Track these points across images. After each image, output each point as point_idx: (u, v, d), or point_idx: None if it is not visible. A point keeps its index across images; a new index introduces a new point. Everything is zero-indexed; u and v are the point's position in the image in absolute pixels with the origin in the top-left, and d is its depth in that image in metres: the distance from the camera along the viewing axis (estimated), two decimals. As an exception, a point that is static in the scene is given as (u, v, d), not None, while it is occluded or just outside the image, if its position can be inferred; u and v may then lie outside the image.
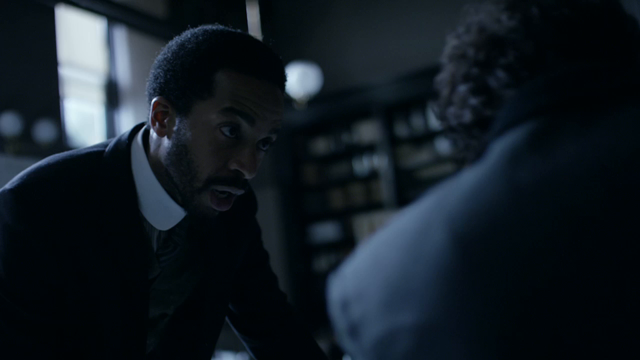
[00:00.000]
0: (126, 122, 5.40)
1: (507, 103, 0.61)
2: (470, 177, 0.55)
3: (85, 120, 5.35)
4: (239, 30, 1.15)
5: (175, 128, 1.10)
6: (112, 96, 5.40)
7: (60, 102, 4.73)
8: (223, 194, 1.11)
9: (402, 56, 5.99)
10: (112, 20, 5.37)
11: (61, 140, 4.64)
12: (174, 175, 1.11)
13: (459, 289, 0.48)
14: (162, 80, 1.11)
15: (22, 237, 1.03)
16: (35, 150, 4.34)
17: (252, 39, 1.13)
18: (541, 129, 0.55)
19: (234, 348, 3.90)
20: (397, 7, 6.12)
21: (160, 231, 1.18)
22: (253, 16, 4.06)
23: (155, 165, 1.14)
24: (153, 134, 1.14)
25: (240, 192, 1.12)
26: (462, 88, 0.68)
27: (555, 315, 0.45)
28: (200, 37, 1.10)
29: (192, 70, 1.08)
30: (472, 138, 0.69)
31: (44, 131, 4.36)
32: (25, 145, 4.28)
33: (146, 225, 1.16)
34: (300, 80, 4.01)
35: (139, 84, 5.36)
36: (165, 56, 1.13)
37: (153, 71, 1.14)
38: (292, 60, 4.60)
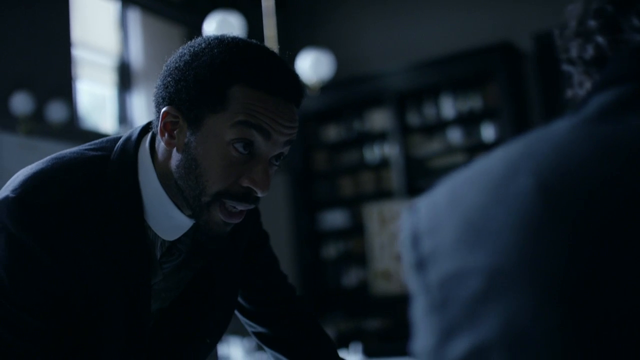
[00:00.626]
0: (138, 104, 5.40)
1: (614, 60, 0.60)
2: (563, 128, 0.54)
3: (97, 102, 5.36)
4: (254, 41, 1.11)
5: (185, 140, 1.07)
6: (125, 78, 5.40)
7: (73, 83, 4.74)
8: (233, 208, 1.08)
9: (416, 44, 5.96)
10: (126, 1, 5.36)
11: (72, 121, 4.64)
12: (184, 188, 1.08)
13: (537, 236, 0.48)
14: (172, 90, 1.07)
15: (25, 246, 1.00)
16: (46, 130, 4.35)
17: (269, 54, 1.10)
18: None
19: (241, 333, 3.91)
20: (412, -6, 6.08)
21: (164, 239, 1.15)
22: (267, 0, 4.04)
23: (163, 176, 1.11)
24: (161, 142, 1.10)
25: (251, 207, 1.10)
26: (592, 23, 0.66)
27: (629, 277, 0.45)
28: (216, 50, 1.06)
29: (206, 83, 1.05)
30: (588, 75, 0.68)
31: (55, 111, 4.37)
32: (36, 125, 4.29)
33: (150, 233, 1.13)
34: (313, 66, 3.99)
35: (151, 66, 5.35)
36: (177, 65, 1.08)
37: (163, 79, 1.10)
38: (305, 46, 4.58)
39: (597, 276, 0.45)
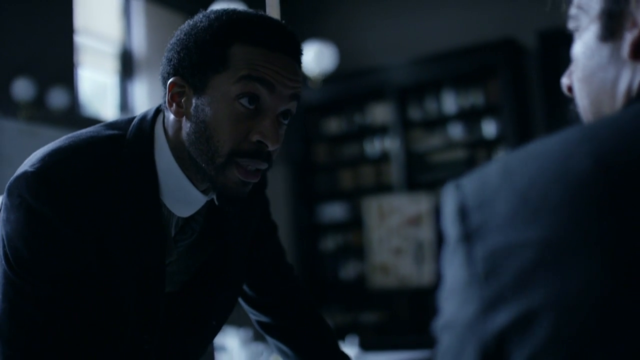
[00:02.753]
0: (140, 92, 5.39)
1: None
2: (624, 115, 0.56)
3: (98, 89, 5.35)
4: (251, 10, 1.14)
5: (192, 107, 1.09)
6: (127, 66, 5.39)
7: (75, 70, 4.73)
8: (249, 167, 1.09)
9: (419, 39, 5.95)
10: (130, -11, 5.35)
11: (74, 108, 4.64)
12: (196, 155, 1.09)
13: (594, 212, 0.49)
14: (175, 62, 1.10)
15: (44, 217, 1.02)
16: (47, 116, 4.35)
17: (265, 16, 1.13)
18: None
19: (238, 323, 3.92)
20: (416, -12, 6.07)
21: (178, 217, 1.17)
22: (271, -8, 4.04)
23: (176, 149, 1.12)
24: (170, 117, 1.13)
25: (264, 165, 1.11)
26: None
27: None
28: (213, 16, 1.10)
29: (206, 46, 1.07)
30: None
31: (57, 98, 4.36)
32: (37, 111, 4.29)
33: (165, 210, 1.15)
34: (316, 58, 3.99)
35: (154, 54, 5.34)
36: (178, 38, 1.12)
37: (166, 54, 1.13)
38: (308, 38, 4.57)
39: None
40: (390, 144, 5.96)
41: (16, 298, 1.03)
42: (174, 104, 1.10)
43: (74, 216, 1.03)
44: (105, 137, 1.12)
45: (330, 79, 4.97)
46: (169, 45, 1.14)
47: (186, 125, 1.10)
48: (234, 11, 1.11)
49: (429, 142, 5.84)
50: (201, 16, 1.12)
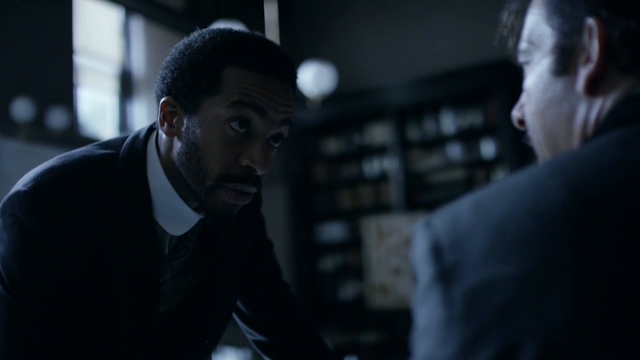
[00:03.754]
0: (139, 112, 5.40)
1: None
2: (587, 147, 0.57)
3: (97, 109, 5.36)
4: (247, 30, 1.14)
5: (184, 127, 1.08)
6: (126, 86, 5.41)
7: (74, 90, 4.74)
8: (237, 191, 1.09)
9: (417, 59, 5.98)
10: (130, 10, 5.38)
11: (73, 128, 4.65)
12: (187, 176, 1.09)
13: (571, 244, 0.49)
14: (169, 80, 1.10)
15: (37, 236, 1.01)
16: (47, 136, 4.35)
17: (260, 38, 1.12)
18: None
19: (236, 343, 3.90)
20: (414, 9, 6.11)
21: (172, 235, 1.17)
22: (271, 12, 4.06)
23: (168, 168, 1.12)
24: (162, 135, 1.13)
25: (253, 189, 1.10)
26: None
27: None
28: (207, 36, 1.10)
29: (200, 67, 1.07)
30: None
31: (56, 118, 4.37)
32: (37, 131, 4.29)
33: (158, 229, 1.14)
34: (315, 79, 4.00)
35: (153, 75, 5.36)
36: (173, 56, 1.11)
37: (161, 72, 1.13)
38: (307, 59, 4.59)
39: (630, 279, 0.47)
40: (389, 164, 5.97)
41: (11, 317, 1.03)
42: (166, 123, 1.10)
43: (67, 235, 1.03)
44: (98, 156, 1.12)
45: (329, 100, 4.98)
46: (164, 63, 1.13)
47: (177, 145, 1.10)
48: (229, 32, 1.10)
49: (428, 162, 5.85)
50: (196, 35, 1.11)
